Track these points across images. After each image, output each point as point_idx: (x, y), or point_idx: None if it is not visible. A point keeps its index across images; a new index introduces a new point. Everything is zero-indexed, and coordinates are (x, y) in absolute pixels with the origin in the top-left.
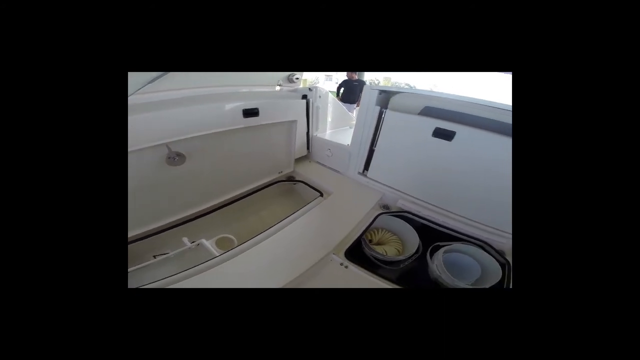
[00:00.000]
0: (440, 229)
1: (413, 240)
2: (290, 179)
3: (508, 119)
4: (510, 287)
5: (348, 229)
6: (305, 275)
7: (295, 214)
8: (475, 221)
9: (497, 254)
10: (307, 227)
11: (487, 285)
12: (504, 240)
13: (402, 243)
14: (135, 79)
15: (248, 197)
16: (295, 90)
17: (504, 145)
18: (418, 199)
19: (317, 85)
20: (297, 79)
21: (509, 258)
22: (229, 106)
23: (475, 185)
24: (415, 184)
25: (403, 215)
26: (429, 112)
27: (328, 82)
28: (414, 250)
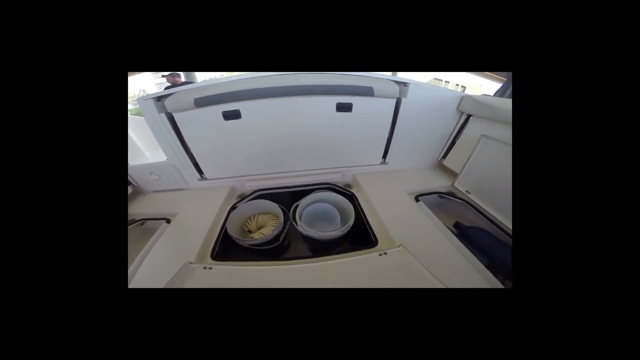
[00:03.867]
0: (299, 189)
1: (279, 212)
2: (132, 222)
3: (285, 83)
4: (364, 212)
5: (202, 237)
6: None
7: (142, 252)
8: (313, 169)
9: (343, 188)
10: (156, 256)
11: (350, 222)
12: (340, 175)
13: (278, 219)
14: None
15: None
16: None
17: (288, 105)
18: (259, 174)
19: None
20: None
21: (354, 190)
22: None
23: (291, 142)
24: (249, 164)
25: (257, 195)
26: (202, 102)
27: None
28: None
